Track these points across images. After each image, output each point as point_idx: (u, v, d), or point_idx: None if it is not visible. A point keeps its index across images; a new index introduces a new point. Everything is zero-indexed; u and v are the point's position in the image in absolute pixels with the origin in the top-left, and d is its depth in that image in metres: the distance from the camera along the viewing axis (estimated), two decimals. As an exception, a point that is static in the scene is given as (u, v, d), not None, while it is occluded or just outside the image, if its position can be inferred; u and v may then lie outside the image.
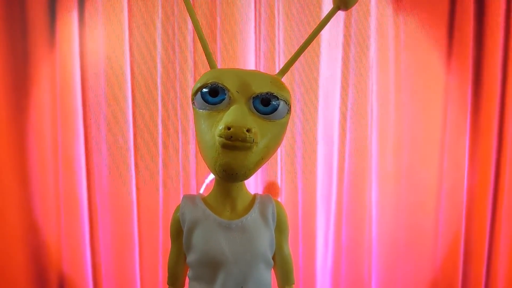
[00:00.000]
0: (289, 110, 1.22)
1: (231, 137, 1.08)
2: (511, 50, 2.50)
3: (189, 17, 1.34)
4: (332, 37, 2.50)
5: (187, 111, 2.48)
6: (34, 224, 2.57)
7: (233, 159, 1.11)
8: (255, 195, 1.35)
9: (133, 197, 2.55)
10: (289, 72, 1.33)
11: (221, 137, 1.09)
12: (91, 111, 2.51)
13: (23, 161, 2.52)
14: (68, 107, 2.49)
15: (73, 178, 2.54)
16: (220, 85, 1.17)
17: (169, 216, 1.32)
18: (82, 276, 2.59)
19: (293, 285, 1.38)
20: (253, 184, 2.53)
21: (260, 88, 1.18)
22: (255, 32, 2.50)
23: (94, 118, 2.51)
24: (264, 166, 1.27)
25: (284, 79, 1.30)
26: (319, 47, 2.49)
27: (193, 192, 2.52)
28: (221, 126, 1.10)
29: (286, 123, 1.24)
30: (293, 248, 2.41)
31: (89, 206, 2.57)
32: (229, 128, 1.08)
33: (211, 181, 2.30)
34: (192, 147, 2.51)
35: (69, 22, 2.45)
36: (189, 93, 1.52)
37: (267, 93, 1.18)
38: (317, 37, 1.33)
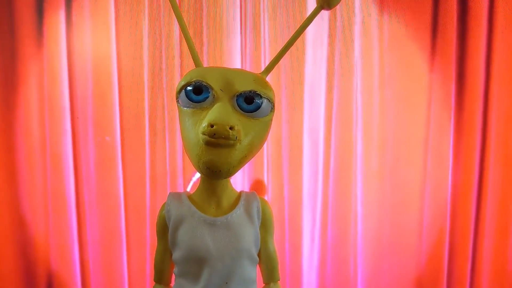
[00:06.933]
0: (272, 108, 1.22)
1: (214, 134, 1.08)
2: (494, 49, 2.51)
3: (175, 17, 1.34)
4: (317, 36, 2.52)
5: (174, 110, 2.48)
6: (22, 220, 2.58)
7: (216, 156, 1.12)
8: (240, 193, 1.35)
9: (120, 194, 2.57)
10: (274, 70, 1.33)
11: (204, 134, 1.09)
12: (79, 109, 2.52)
13: (11, 158, 2.53)
14: (55, 105, 2.50)
15: (61, 175, 2.55)
16: (204, 83, 1.17)
17: (156, 213, 1.33)
18: (70, 272, 2.60)
19: (278, 281, 1.38)
20: (240, 182, 2.54)
21: (244, 87, 1.19)
22: (241, 31, 2.51)
23: (82, 115, 2.52)
24: (250, 164, 1.27)
25: (269, 78, 1.30)
26: (304, 46, 2.50)
27: (180, 189, 2.53)
28: (204, 124, 1.10)
29: (270, 121, 1.24)
30: (280, 244, 2.44)
31: (76, 203, 2.59)
32: (212, 126, 1.08)
33: (197, 179, 2.31)
34: (179, 145, 2.52)
35: (57, 21, 2.46)
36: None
37: (250, 91, 1.18)
38: (302, 36, 1.34)
